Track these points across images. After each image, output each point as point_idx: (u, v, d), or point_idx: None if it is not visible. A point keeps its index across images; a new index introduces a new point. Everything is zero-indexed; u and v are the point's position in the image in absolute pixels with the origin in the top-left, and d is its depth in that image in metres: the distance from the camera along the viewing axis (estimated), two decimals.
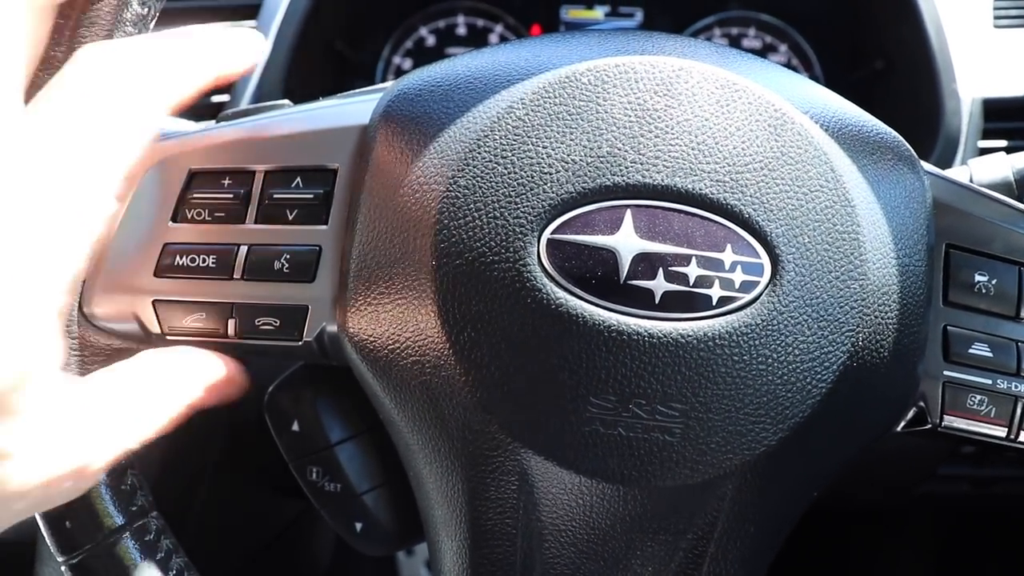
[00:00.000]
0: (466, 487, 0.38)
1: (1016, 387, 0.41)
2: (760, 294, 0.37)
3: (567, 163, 0.37)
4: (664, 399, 0.36)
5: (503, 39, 0.88)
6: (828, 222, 0.37)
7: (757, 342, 0.37)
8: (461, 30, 0.89)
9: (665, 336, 0.36)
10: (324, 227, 0.40)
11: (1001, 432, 0.42)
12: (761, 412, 0.37)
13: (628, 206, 0.37)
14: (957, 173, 0.56)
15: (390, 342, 0.38)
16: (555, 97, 0.38)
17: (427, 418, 0.38)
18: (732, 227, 0.37)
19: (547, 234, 0.36)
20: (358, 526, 0.46)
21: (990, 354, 0.41)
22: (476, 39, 0.89)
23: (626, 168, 0.37)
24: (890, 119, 0.77)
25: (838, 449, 0.40)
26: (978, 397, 0.41)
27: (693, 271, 0.36)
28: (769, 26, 0.85)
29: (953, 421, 0.42)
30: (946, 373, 0.41)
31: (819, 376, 0.37)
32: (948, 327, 0.42)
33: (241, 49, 0.37)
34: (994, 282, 0.42)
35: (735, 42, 0.86)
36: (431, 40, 0.89)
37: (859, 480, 0.93)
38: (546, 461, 0.37)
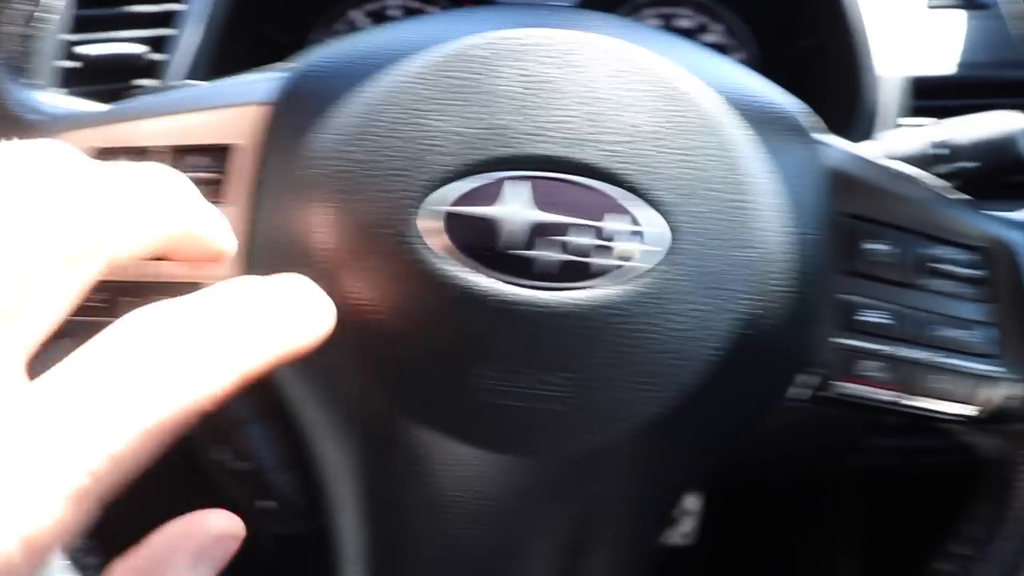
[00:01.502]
0: (359, 461, 0.38)
1: (912, 353, 0.42)
2: (653, 263, 0.37)
3: (456, 135, 0.37)
4: (551, 368, 0.37)
5: None
6: (719, 192, 0.38)
7: (647, 310, 0.37)
8: (395, 11, 0.88)
9: (554, 305, 0.36)
10: (222, 206, 0.40)
11: (895, 397, 0.43)
12: (650, 381, 0.37)
13: (519, 177, 0.37)
14: (871, 146, 0.57)
15: None
16: (447, 70, 0.38)
17: (320, 394, 0.38)
18: (625, 197, 0.38)
19: (433, 206, 0.37)
20: (269, 504, 0.46)
21: (887, 321, 0.42)
22: None
23: (516, 140, 0.37)
24: (819, 96, 0.78)
25: (730, 416, 0.41)
26: (874, 363, 0.42)
27: (584, 240, 0.37)
28: (703, 6, 0.85)
29: (847, 387, 0.42)
30: (843, 340, 0.42)
31: (709, 344, 0.38)
32: (846, 295, 0.42)
33: (313, 322, 0.32)
34: (893, 251, 0.42)
35: (668, 21, 0.86)
36: (365, 23, 0.89)
37: (784, 454, 0.94)
38: (435, 433, 0.37)
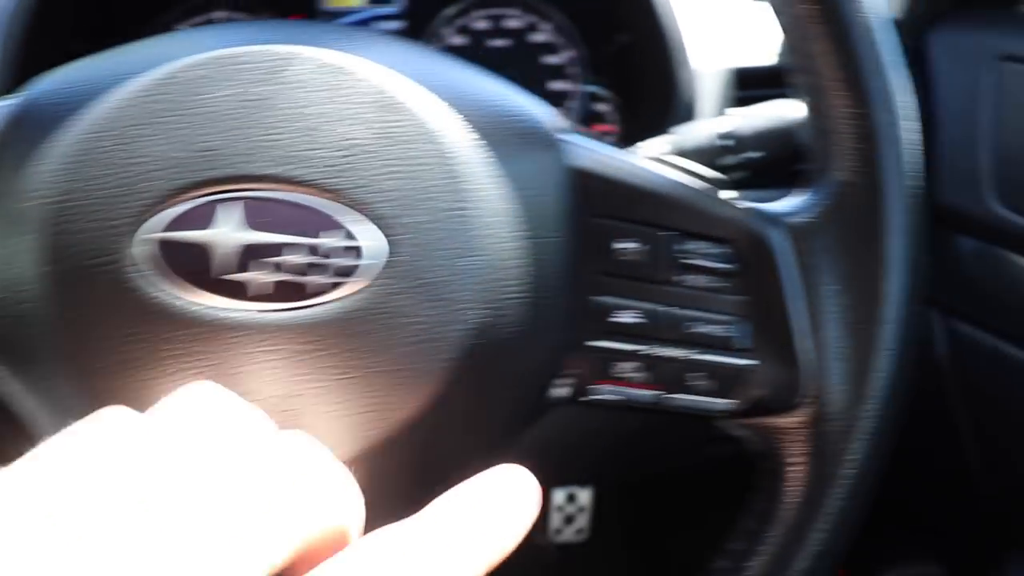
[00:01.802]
0: None
1: (668, 351, 0.42)
2: (371, 278, 0.37)
3: (168, 159, 0.36)
4: (272, 391, 0.35)
5: None
6: (436, 200, 0.37)
7: (368, 327, 0.36)
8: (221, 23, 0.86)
9: (270, 326, 0.36)
10: None
11: (651, 396, 0.42)
12: (378, 400, 0.36)
13: (230, 199, 0.36)
14: (661, 142, 0.57)
15: None
16: (161, 92, 0.37)
17: (50, 421, 0.37)
18: (341, 212, 0.37)
19: (147, 233, 0.36)
20: None
21: (642, 321, 0.42)
22: None
23: (227, 161, 0.37)
24: (638, 92, 0.78)
25: (478, 428, 0.40)
26: (630, 364, 0.42)
27: (299, 259, 0.36)
28: (530, 5, 0.85)
29: (602, 390, 0.42)
30: (594, 343, 0.42)
31: (437, 357, 0.37)
32: (600, 297, 0.42)
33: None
34: (643, 249, 0.42)
35: (497, 22, 0.85)
36: None
37: (643, 452, 0.95)
38: None
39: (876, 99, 0.41)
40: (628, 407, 0.43)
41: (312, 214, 0.36)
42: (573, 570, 1.21)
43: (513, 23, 0.85)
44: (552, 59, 0.85)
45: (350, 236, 0.36)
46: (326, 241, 0.36)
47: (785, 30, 0.43)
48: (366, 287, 0.36)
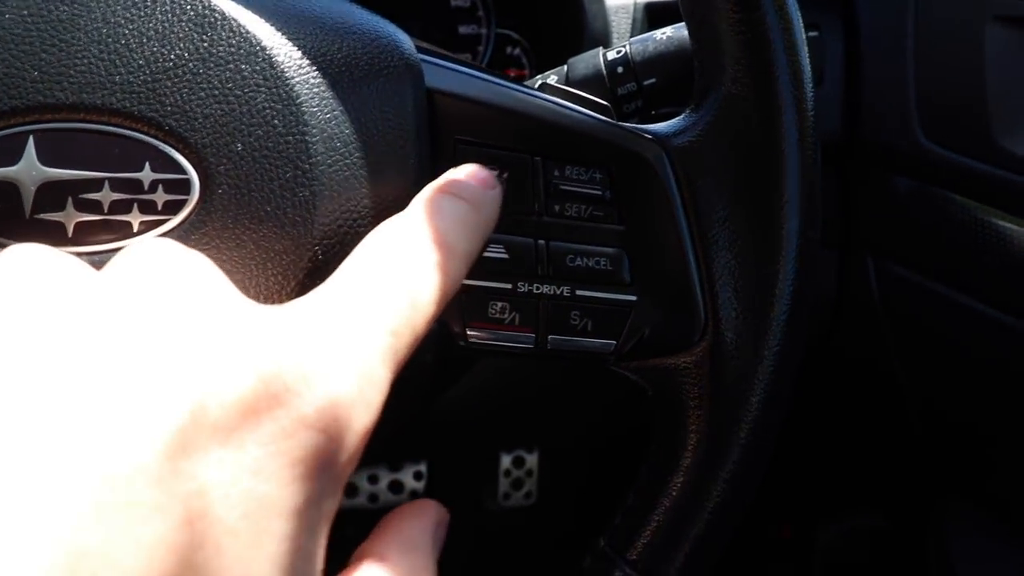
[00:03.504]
0: None
1: (537, 288, 0.38)
2: (189, 213, 0.32)
3: None
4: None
5: None
6: (265, 126, 0.33)
7: None
8: None
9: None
10: None
11: (530, 338, 0.39)
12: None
13: (30, 131, 0.32)
14: (551, 73, 0.53)
15: None
16: None
17: None
18: (152, 142, 0.32)
19: None
20: None
21: (506, 256, 0.38)
22: None
23: (25, 89, 0.32)
24: (548, 33, 0.74)
25: None
26: (499, 304, 0.38)
27: (107, 196, 0.32)
28: None
29: (478, 334, 0.38)
30: (472, 281, 0.38)
31: (276, 297, 0.33)
32: None
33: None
34: (506, 175, 0.38)
35: None
36: None
37: (578, 419, 0.92)
38: None
39: (762, 5, 0.38)
40: (506, 352, 0.39)
41: (119, 145, 0.32)
42: (522, 534, 1.19)
43: None
44: (459, 2, 0.81)
45: (165, 169, 0.32)
46: (133, 175, 0.32)
47: None
48: (186, 225, 0.32)
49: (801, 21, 0.38)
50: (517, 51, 0.80)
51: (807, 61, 0.38)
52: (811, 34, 0.78)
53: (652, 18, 0.72)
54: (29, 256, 0.26)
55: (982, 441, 0.79)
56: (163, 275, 0.26)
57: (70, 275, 0.25)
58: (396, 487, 1.05)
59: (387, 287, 0.28)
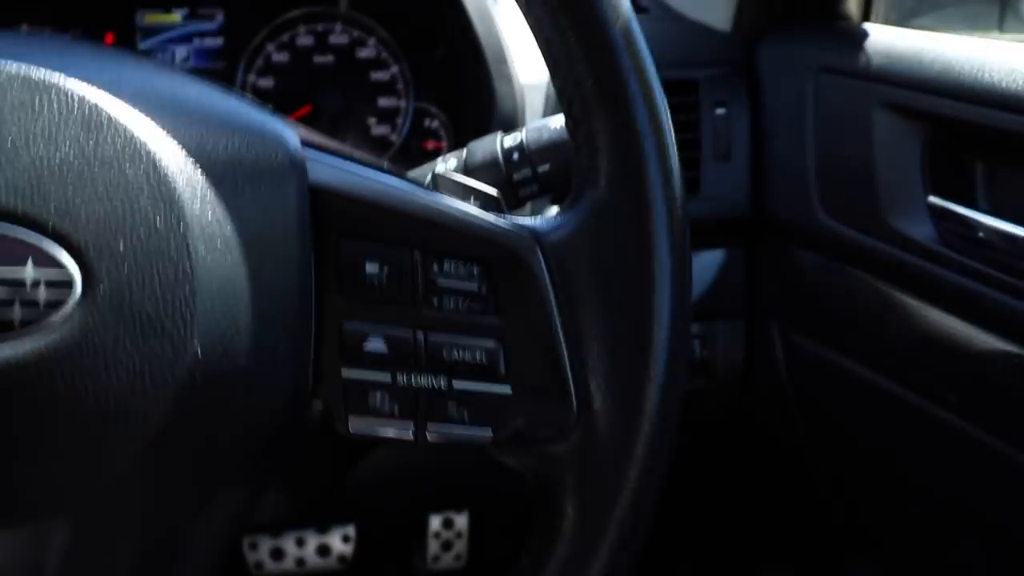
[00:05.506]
0: None
1: (417, 380, 0.39)
2: (70, 311, 0.33)
3: None
4: None
5: None
6: (149, 224, 0.34)
7: (72, 364, 0.33)
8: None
9: None
10: None
11: (408, 430, 0.40)
12: (92, 442, 0.33)
13: None
14: (451, 157, 0.54)
15: None
16: None
17: None
18: (35, 240, 0.33)
19: None
20: None
21: (389, 347, 0.39)
22: None
23: None
24: (460, 109, 0.76)
25: (216, 466, 0.37)
26: (379, 395, 0.39)
27: None
28: (354, 21, 0.83)
29: (359, 424, 0.39)
30: (344, 375, 0.39)
31: (157, 394, 0.34)
32: (344, 324, 0.39)
33: None
34: (395, 270, 0.39)
35: (322, 38, 0.83)
36: None
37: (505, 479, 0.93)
38: None
39: (633, 108, 0.39)
40: (386, 442, 0.40)
41: (2, 243, 0.33)
42: None
43: (337, 39, 0.83)
44: (380, 75, 0.83)
45: (47, 266, 0.33)
46: (13, 272, 0.32)
47: (538, 37, 0.41)
48: (68, 322, 0.32)
49: (671, 125, 0.40)
50: (435, 124, 0.82)
51: (676, 164, 0.40)
52: (719, 111, 0.81)
53: None
54: None
55: (883, 507, 0.81)
56: None
57: None
58: (324, 551, 1.04)
59: None
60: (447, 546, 1.14)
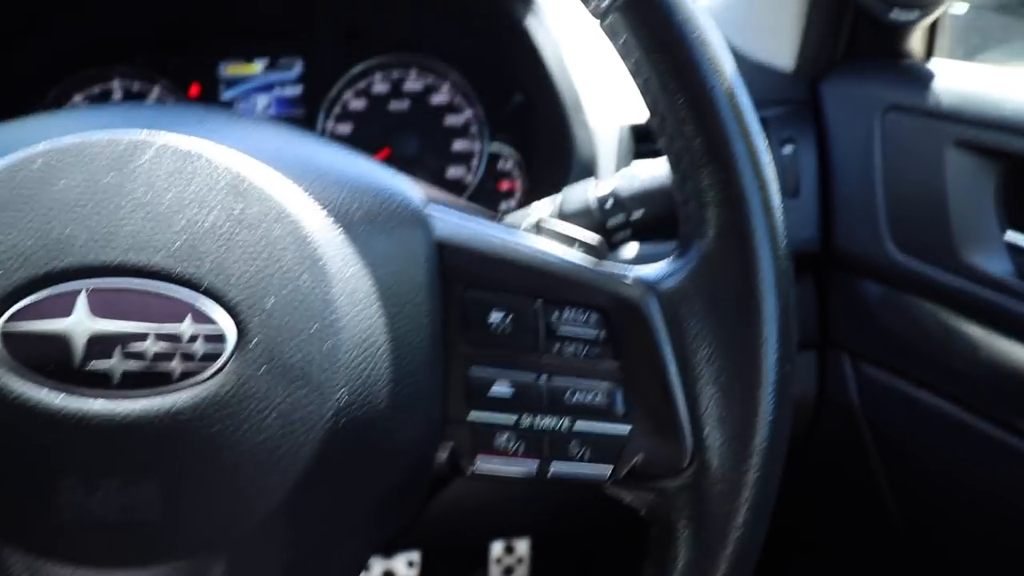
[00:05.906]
0: None
1: (540, 421, 0.41)
2: (225, 363, 0.36)
3: (16, 252, 0.35)
4: (136, 479, 0.35)
5: (161, 103, 0.85)
6: (293, 283, 0.37)
7: (227, 412, 0.35)
8: (117, 95, 0.85)
9: (127, 415, 0.35)
10: None
11: (533, 467, 0.42)
12: (246, 483, 0.36)
13: (80, 289, 0.35)
14: (546, 204, 0.57)
15: None
16: (7, 183, 0.37)
17: None
18: (191, 298, 0.36)
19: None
20: None
21: (514, 392, 0.41)
22: None
23: (76, 250, 0.36)
24: (535, 151, 0.78)
25: (358, 506, 0.39)
26: (505, 435, 0.41)
27: (151, 346, 0.36)
28: (428, 68, 0.85)
29: (485, 463, 0.41)
30: (470, 418, 0.41)
31: (305, 439, 0.36)
32: (478, 369, 0.41)
33: None
34: (517, 319, 0.42)
35: (397, 85, 0.85)
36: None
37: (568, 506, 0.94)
38: (26, 554, 0.36)
39: (739, 165, 0.42)
40: (511, 479, 0.42)
41: (158, 300, 0.35)
42: None
43: (412, 85, 0.85)
44: (454, 120, 0.85)
45: (198, 320, 0.35)
46: (174, 328, 0.35)
47: (644, 96, 0.43)
48: (217, 372, 0.35)
49: (776, 179, 0.42)
50: (509, 164, 0.84)
51: (781, 216, 0.42)
52: (786, 148, 0.82)
53: (637, 137, 0.77)
54: None
55: (959, 536, 0.81)
56: None
57: None
58: None
59: None
60: (508, 572, 1.16)
